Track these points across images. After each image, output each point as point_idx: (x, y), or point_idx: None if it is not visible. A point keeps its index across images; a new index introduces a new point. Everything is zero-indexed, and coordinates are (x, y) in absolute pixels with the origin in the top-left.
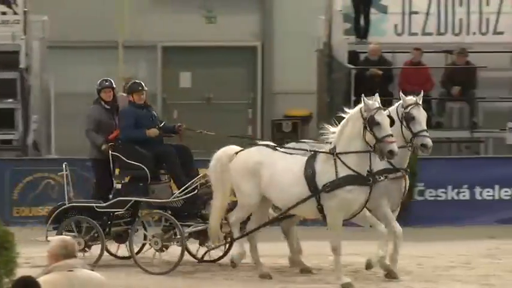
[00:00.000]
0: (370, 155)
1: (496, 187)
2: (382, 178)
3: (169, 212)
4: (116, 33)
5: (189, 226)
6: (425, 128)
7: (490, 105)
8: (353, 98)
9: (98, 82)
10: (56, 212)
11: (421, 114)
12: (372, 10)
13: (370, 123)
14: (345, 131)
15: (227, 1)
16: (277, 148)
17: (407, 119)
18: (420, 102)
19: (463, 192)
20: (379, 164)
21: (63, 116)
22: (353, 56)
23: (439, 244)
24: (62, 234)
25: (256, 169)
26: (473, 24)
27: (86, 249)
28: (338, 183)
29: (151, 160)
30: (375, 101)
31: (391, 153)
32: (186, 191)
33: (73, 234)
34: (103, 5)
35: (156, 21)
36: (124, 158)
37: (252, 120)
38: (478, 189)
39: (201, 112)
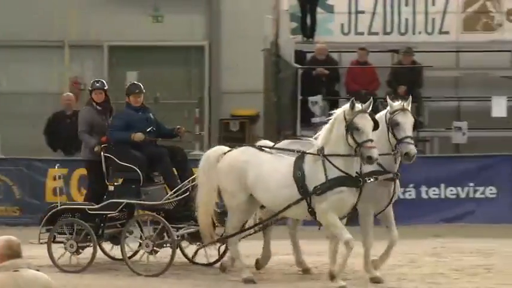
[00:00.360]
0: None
1: (442, 186)
2: (371, 179)
3: (162, 214)
4: (62, 33)
5: (181, 228)
6: (409, 134)
7: (436, 104)
8: (300, 97)
9: (91, 83)
10: (48, 214)
11: (406, 120)
12: (318, 9)
13: (351, 127)
14: (332, 132)
15: (174, 0)
16: (263, 148)
17: (392, 124)
18: (408, 108)
19: (409, 191)
20: (369, 166)
21: (9, 116)
22: (300, 56)
23: (385, 243)
24: (54, 236)
25: (242, 168)
26: (419, 23)
27: (80, 250)
28: (329, 186)
29: (144, 162)
30: (359, 103)
31: (370, 158)
32: (178, 192)
33: (65, 236)
34: (49, 4)
35: (103, 21)
36: (116, 160)
37: (200, 120)
38: (423, 188)
39: None
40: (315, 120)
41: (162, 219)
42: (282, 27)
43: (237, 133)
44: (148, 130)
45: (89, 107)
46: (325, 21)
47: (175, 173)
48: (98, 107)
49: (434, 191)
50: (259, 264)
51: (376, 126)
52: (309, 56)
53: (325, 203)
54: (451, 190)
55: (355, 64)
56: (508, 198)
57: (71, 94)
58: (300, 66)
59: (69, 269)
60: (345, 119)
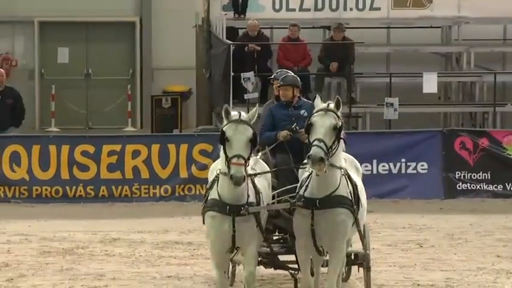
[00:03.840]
0: None
1: (374, 162)
2: None
3: None
4: None
5: None
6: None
7: (368, 80)
8: (232, 73)
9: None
10: None
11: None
12: None
13: None
14: None
15: None
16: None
17: None
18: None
19: None
20: None
21: None
22: (232, 32)
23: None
24: None
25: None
26: (350, 0)
27: None
28: None
29: None
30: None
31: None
32: None
33: None
34: None
35: None
36: None
37: (132, 96)
38: None
39: (80, 88)
40: (247, 96)
41: None
42: (213, 4)
43: (169, 110)
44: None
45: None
46: None
47: None
48: None
49: (366, 166)
50: None
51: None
52: (240, 32)
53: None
54: (383, 166)
55: (287, 40)
56: (438, 173)
57: (1, 70)
58: (231, 42)
59: None
60: None
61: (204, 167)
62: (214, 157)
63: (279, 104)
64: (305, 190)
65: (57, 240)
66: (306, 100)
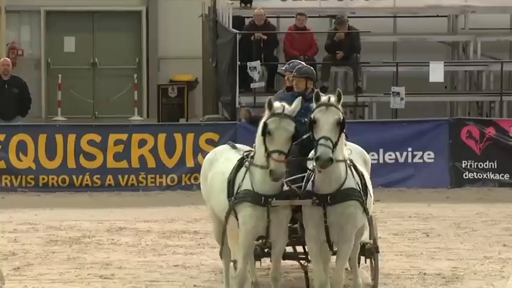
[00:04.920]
0: None
1: (381, 151)
2: None
3: None
4: None
5: None
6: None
7: (374, 69)
8: (238, 63)
9: None
10: None
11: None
12: None
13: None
14: None
15: None
16: (236, 146)
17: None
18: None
19: None
20: None
21: None
22: (238, 21)
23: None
24: None
25: (206, 170)
26: None
27: None
28: None
29: None
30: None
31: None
32: None
33: None
34: None
35: None
36: None
37: (138, 86)
38: None
39: (86, 77)
40: (253, 85)
41: None
42: None
43: (176, 99)
44: None
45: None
46: None
47: None
48: None
49: (373, 156)
50: None
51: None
52: (247, 21)
53: None
54: (390, 155)
55: (293, 29)
56: (445, 162)
57: (8, 59)
58: (238, 31)
59: None
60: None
61: None
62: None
63: (290, 93)
64: (312, 186)
65: (64, 229)
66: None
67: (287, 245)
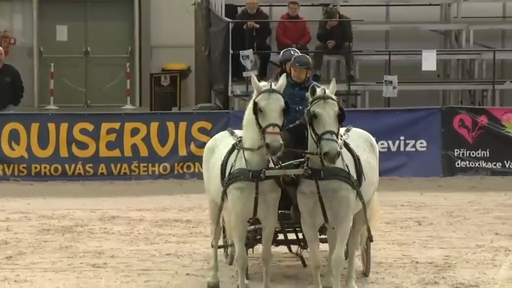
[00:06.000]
0: None
1: None
2: None
3: None
4: None
5: None
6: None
7: (367, 58)
8: (231, 51)
9: None
10: None
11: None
12: None
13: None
14: None
15: None
16: (234, 132)
17: None
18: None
19: None
20: None
21: None
22: (231, 10)
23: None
24: None
25: (208, 158)
26: None
27: None
28: None
29: None
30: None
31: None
32: None
33: None
34: None
35: None
36: None
37: (131, 74)
38: None
39: (79, 66)
40: (246, 74)
41: None
42: None
43: (168, 87)
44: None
45: None
46: None
47: None
48: None
49: None
50: None
51: None
52: (239, 10)
53: None
54: (382, 144)
55: (286, 18)
56: (437, 151)
57: (0, 48)
58: (230, 20)
59: None
60: None
61: (203, 145)
62: (213, 134)
63: (287, 82)
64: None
65: (56, 218)
66: (313, 82)
67: (279, 232)
